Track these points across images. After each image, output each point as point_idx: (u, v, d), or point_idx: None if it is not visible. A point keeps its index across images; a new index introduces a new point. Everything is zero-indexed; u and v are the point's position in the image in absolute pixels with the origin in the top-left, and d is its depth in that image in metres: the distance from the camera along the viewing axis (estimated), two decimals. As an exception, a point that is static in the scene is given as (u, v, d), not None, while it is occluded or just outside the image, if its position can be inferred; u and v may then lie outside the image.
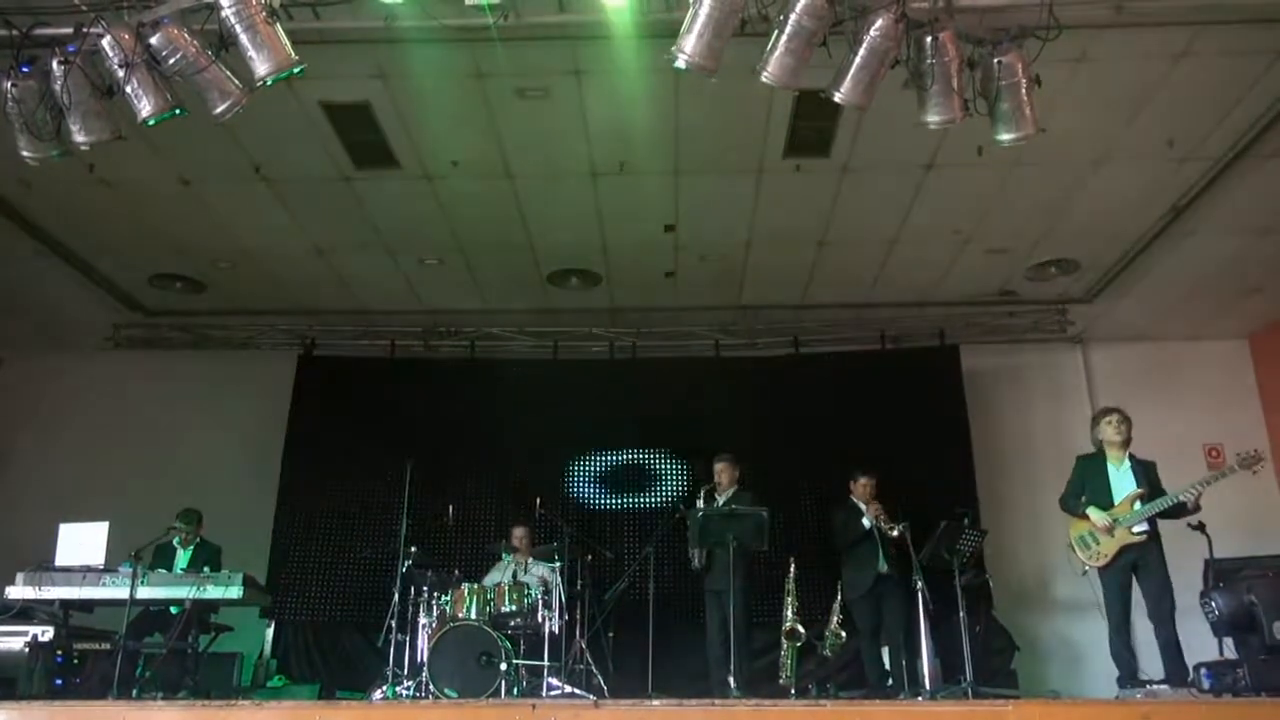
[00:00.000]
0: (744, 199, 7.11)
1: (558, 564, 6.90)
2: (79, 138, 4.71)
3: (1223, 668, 5.01)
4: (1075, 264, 8.15)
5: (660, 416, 8.93)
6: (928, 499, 7.32)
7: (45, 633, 5.73)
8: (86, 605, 6.37)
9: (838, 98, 4.62)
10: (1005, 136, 4.74)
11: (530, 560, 7.20)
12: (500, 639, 6.09)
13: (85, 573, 6.27)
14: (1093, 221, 7.38)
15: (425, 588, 6.69)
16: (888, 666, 6.92)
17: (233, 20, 4.39)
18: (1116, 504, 6.02)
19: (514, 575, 6.83)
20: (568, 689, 6.16)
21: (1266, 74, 5.66)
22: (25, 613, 6.03)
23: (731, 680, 6.06)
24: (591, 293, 8.71)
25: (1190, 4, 5.03)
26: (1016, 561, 8.64)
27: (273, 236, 7.65)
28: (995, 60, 4.57)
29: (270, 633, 8.40)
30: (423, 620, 6.62)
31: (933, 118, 4.61)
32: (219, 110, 4.65)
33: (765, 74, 4.49)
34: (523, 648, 6.40)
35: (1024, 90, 4.61)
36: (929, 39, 4.45)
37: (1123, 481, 6.09)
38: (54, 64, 4.54)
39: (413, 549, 6.74)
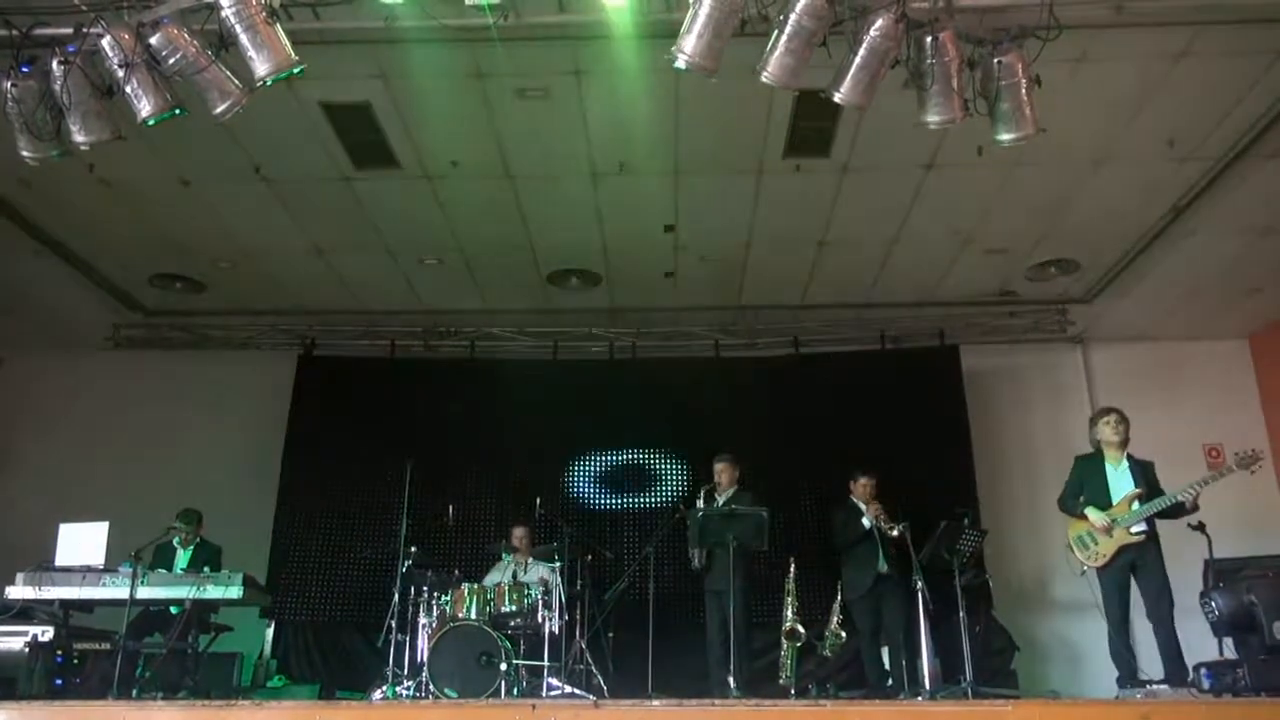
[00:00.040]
0: (744, 199, 7.11)
1: (558, 564, 6.89)
2: (79, 138, 4.72)
3: (1223, 668, 5.00)
4: (1075, 264, 8.15)
5: (660, 416, 8.93)
6: (928, 499, 7.33)
7: (45, 633, 5.72)
8: (86, 605, 6.36)
9: (838, 98, 4.62)
10: (1005, 136, 4.75)
11: (530, 560, 7.20)
12: (500, 639, 6.09)
13: (85, 573, 6.26)
14: (1093, 221, 7.38)
15: (425, 588, 6.69)
16: (888, 666, 6.92)
17: (233, 20, 4.39)
18: (1115, 504, 6.02)
19: (514, 575, 6.83)
20: (568, 689, 6.16)
21: (1266, 74, 5.66)
22: (25, 613, 6.03)
23: (731, 680, 6.05)
24: (591, 293, 8.71)
25: (1190, 4, 5.04)
26: (1016, 561, 8.65)
27: (273, 236, 7.65)
28: (995, 60, 4.57)
29: (270, 633, 8.40)
30: (423, 620, 6.62)
31: (933, 118, 4.61)
32: (219, 110, 4.66)
33: (765, 74, 4.50)
34: (523, 648, 6.40)
35: (1024, 90, 4.61)
36: (929, 39, 4.45)
37: (1121, 482, 6.10)
38: (54, 64, 4.54)
39: (413, 549, 6.74)
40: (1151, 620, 5.83)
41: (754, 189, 6.98)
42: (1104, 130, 6.26)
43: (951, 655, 6.51)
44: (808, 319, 9.14)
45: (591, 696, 5.71)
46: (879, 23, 4.39)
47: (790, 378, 9.08)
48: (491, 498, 8.66)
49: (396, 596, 6.63)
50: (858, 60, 4.49)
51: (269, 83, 4.54)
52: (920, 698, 6.13)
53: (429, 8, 4.90)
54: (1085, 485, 6.19)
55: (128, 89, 4.53)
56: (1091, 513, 6.02)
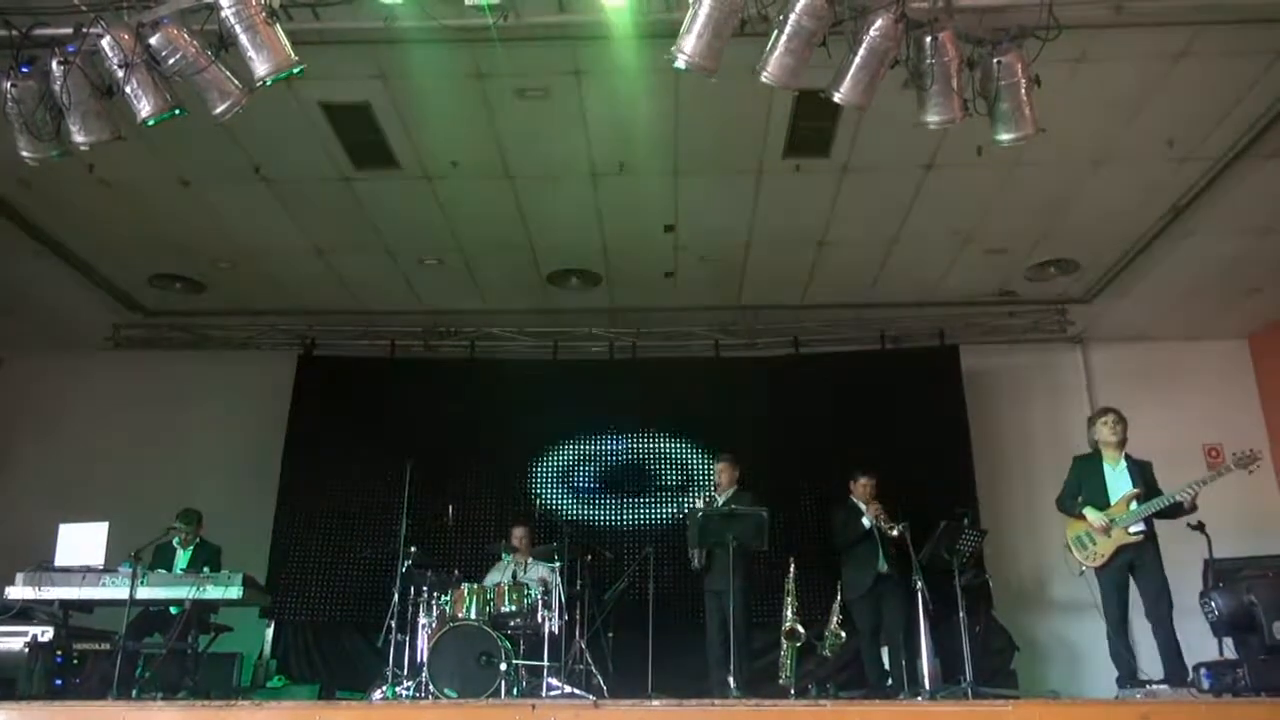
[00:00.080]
0: (744, 199, 7.11)
1: (557, 564, 6.89)
2: (79, 138, 4.72)
3: (1223, 668, 5.00)
4: (1075, 264, 8.15)
5: (660, 416, 8.93)
6: (927, 499, 7.33)
7: (45, 633, 5.72)
8: (86, 605, 6.36)
9: (837, 98, 4.62)
10: (1005, 136, 4.75)
11: (530, 560, 7.20)
12: (500, 639, 6.09)
13: (85, 573, 6.26)
14: (1093, 221, 7.38)
15: (425, 588, 6.68)
16: (887, 666, 6.92)
17: (232, 20, 4.39)
18: (1113, 504, 6.03)
19: (514, 575, 6.83)
20: (567, 689, 6.16)
21: (1266, 74, 5.66)
22: (25, 613, 6.03)
23: (731, 680, 6.05)
24: (591, 293, 8.71)
25: (1190, 4, 5.04)
26: (1016, 561, 8.65)
27: (272, 236, 7.65)
28: (995, 60, 4.58)
29: (270, 633, 8.40)
30: (422, 620, 6.61)
31: (932, 118, 4.61)
32: (219, 110, 4.66)
33: (765, 74, 4.50)
34: (522, 648, 6.40)
35: (1024, 90, 4.61)
36: (929, 39, 4.45)
37: (1119, 482, 6.10)
38: (54, 64, 4.54)
39: (413, 549, 6.73)
40: (1150, 620, 5.83)
41: (754, 189, 6.98)
42: (1103, 130, 6.26)
43: (951, 655, 6.51)
44: (808, 319, 9.13)
45: (591, 696, 5.71)
46: (879, 23, 4.39)
47: (790, 378, 9.08)
48: (491, 498, 8.66)
49: (396, 596, 6.62)
50: (857, 60, 4.49)
51: (269, 83, 4.54)
52: (920, 698, 6.13)
53: (429, 8, 4.90)
54: (1083, 485, 6.19)
55: (127, 89, 4.53)
56: (1090, 513, 6.03)
